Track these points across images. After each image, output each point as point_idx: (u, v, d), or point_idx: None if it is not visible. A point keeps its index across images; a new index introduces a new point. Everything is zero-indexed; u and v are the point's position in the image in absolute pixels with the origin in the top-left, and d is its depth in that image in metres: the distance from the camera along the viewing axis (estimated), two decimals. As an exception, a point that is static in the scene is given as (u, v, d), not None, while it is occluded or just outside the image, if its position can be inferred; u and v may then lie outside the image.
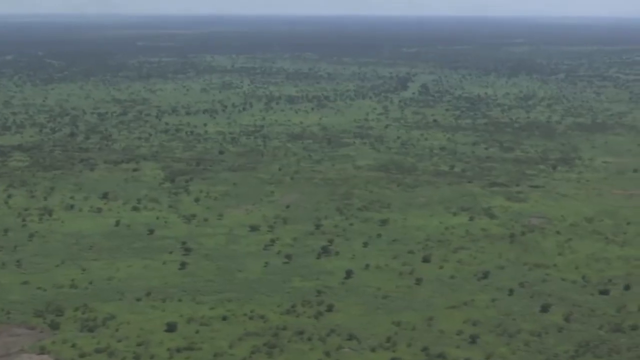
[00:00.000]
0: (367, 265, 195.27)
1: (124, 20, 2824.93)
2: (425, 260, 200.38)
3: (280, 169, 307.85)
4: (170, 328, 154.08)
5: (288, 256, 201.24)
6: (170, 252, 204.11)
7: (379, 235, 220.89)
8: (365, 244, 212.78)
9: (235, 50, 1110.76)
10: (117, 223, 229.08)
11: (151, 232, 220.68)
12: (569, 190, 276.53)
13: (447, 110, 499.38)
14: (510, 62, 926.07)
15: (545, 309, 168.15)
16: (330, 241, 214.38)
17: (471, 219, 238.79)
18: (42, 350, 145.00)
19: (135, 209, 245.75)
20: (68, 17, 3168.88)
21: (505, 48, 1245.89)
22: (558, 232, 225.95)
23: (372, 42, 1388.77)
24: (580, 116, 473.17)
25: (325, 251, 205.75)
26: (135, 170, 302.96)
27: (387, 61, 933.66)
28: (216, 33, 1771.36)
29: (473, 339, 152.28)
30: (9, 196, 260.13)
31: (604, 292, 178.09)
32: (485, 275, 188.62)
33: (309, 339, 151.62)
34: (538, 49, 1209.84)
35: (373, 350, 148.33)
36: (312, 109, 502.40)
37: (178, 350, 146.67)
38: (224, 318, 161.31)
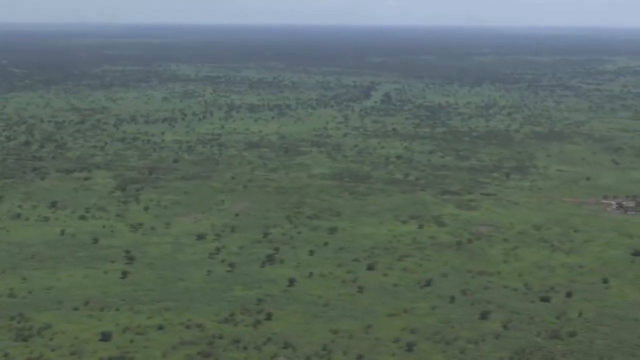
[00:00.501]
0: (311, 274, 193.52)
1: (92, 29, 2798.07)
2: (370, 268, 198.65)
3: (233, 178, 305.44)
4: (105, 337, 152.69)
5: (232, 265, 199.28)
6: (113, 262, 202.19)
7: (326, 244, 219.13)
8: (311, 252, 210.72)
9: (202, 60, 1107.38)
10: (63, 232, 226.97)
11: (96, 241, 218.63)
12: (520, 198, 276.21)
13: (406, 119, 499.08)
14: (474, 71, 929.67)
15: (484, 316, 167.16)
16: (276, 249, 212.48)
17: (420, 227, 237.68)
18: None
19: (82, 217, 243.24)
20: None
21: (470, 58, 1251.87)
22: (505, 240, 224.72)
23: (340, 52, 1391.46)
24: (538, 125, 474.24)
25: (270, 259, 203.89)
26: (86, 179, 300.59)
27: (352, 70, 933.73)
28: (185, 42, 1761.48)
29: (409, 347, 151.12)
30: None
31: (545, 300, 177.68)
32: (428, 283, 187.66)
33: (245, 348, 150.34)
34: (503, 59, 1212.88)
35: (308, 358, 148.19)
36: (272, 117, 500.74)
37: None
38: (160, 327, 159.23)
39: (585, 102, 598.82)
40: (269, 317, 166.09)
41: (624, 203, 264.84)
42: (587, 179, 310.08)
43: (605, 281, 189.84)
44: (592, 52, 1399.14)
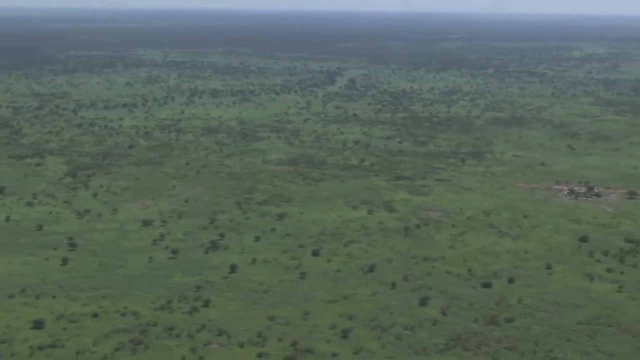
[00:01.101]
0: (254, 260, 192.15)
1: (63, 13, 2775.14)
2: (315, 254, 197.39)
3: (187, 163, 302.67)
4: (37, 325, 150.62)
5: (174, 251, 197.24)
6: (55, 248, 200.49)
7: (273, 230, 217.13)
8: (257, 239, 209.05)
9: (171, 45, 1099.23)
10: (8, 219, 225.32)
11: (40, 227, 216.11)
12: (473, 183, 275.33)
13: (369, 104, 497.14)
14: (442, 57, 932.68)
15: (423, 302, 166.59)
16: (222, 235, 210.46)
17: (370, 212, 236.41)
18: None
19: (29, 204, 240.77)
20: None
21: (440, 44, 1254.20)
22: (453, 226, 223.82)
23: (311, 37, 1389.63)
24: (500, 111, 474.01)
25: (214, 246, 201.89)
26: (38, 165, 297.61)
27: (320, 56, 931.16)
28: (159, 28, 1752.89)
29: (345, 334, 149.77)
30: None
31: (487, 285, 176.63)
32: (372, 268, 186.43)
33: (178, 336, 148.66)
34: (472, 45, 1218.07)
35: (242, 345, 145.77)
36: (234, 103, 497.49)
37: (40, 348, 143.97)
38: (95, 315, 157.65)
39: (549, 88, 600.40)
40: (206, 304, 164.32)
41: (575, 189, 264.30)
42: (542, 164, 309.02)
43: (548, 267, 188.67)
44: (561, 39, 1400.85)
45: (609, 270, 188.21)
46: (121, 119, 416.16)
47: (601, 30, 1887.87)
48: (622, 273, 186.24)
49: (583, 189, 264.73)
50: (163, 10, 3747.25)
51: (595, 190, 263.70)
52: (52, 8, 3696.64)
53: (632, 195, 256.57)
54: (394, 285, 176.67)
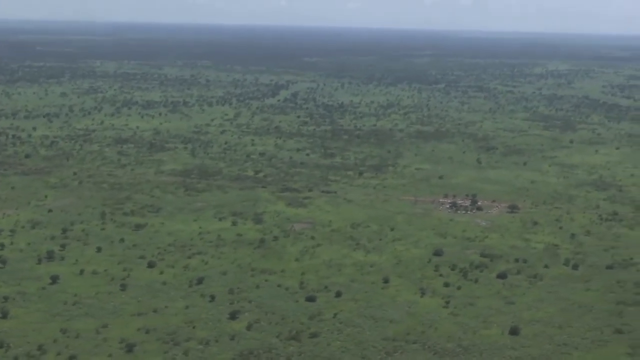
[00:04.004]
0: (82, 271, 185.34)
1: (35, 25, 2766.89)
2: (151, 265, 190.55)
3: (75, 174, 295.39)
4: None
5: (4, 261, 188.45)
6: None
7: (122, 240, 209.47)
8: (99, 249, 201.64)
9: (132, 57, 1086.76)
10: None
11: None
12: (358, 196, 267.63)
13: (298, 117, 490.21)
14: (401, 72, 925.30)
15: (234, 316, 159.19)
16: (63, 246, 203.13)
17: (234, 224, 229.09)
18: None
19: None
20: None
21: (407, 59, 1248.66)
22: (312, 238, 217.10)
23: (281, 51, 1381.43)
24: (428, 124, 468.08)
25: (49, 256, 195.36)
26: None
27: (279, 69, 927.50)
28: (125, 40, 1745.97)
29: (130, 348, 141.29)
30: None
31: (311, 299, 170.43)
32: (200, 281, 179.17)
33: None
34: (438, 61, 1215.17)
35: (16, 359, 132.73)
36: (161, 114, 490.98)
37: None
38: None
39: (491, 103, 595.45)
40: (4, 315, 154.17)
41: (459, 202, 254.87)
42: (440, 177, 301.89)
43: (386, 281, 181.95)
44: (530, 56, 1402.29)
45: (446, 284, 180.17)
46: (34, 128, 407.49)
47: (573, 48, 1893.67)
48: (458, 288, 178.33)
49: (467, 203, 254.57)
50: (142, 23, 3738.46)
51: (479, 203, 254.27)
52: (25, 20, 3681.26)
53: (512, 209, 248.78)
54: (213, 298, 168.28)
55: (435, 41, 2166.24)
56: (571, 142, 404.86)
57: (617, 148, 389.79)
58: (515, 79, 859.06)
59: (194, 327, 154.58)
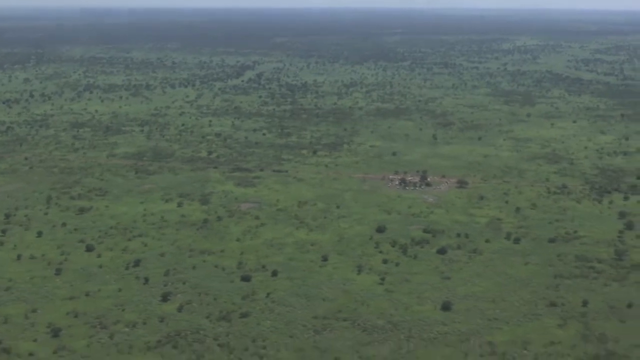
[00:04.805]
0: (19, 256, 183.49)
1: (8, 12, 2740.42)
2: (89, 249, 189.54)
3: (26, 159, 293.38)
4: None
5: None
6: None
7: (64, 225, 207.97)
8: (39, 234, 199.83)
9: (101, 41, 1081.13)
10: None
11: None
12: (308, 174, 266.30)
13: (260, 97, 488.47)
14: (369, 50, 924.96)
15: (166, 298, 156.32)
16: (4, 232, 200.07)
17: (180, 205, 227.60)
18: None
19: None
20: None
21: (377, 38, 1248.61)
22: (256, 217, 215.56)
23: (252, 32, 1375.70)
24: (388, 102, 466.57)
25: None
26: None
27: (247, 50, 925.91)
28: (101, 25, 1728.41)
29: (56, 332, 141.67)
30: None
31: (246, 279, 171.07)
32: (137, 263, 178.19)
33: None
34: (408, 39, 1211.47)
35: None
36: (121, 97, 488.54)
37: None
38: None
39: (454, 80, 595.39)
40: None
41: (408, 178, 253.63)
42: (394, 154, 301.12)
43: (325, 259, 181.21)
44: (501, 32, 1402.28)
45: (384, 261, 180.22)
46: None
47: (545, 23, 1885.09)
48: (396, 265, 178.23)
49: (416, 179, 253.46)
50: (123, 7, 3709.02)
51: (428, 179, 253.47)
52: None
53: (461, 184, 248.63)
54: (147, 280, 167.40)
55: (408, 20, 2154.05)
56: (528, 116, 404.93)
57: (574, 121, 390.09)
58: (482, 55, 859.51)
59: (123, 310, 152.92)
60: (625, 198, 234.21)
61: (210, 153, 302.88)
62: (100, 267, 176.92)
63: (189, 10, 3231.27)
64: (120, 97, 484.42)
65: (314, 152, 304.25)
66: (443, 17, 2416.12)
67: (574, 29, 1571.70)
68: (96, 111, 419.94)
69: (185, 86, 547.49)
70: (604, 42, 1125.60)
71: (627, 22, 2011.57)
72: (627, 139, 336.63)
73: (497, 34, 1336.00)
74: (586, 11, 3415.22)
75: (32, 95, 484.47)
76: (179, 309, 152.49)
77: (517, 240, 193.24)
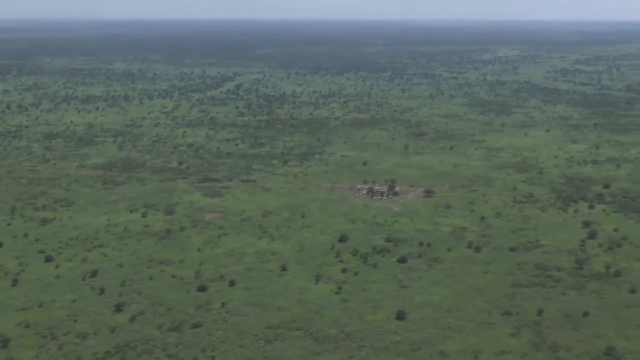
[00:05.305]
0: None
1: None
2: (48, 260, 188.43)
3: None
4: None
5: None
6: None
7: (26, 236, 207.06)
8: (0, 245, 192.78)
9: (84, 53, 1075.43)
10: None
11: None
12: (277, 184, 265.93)
13: (237, 108, 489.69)
14: (350, 61, 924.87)
15: (119, 308, 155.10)
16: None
17: (144, 215, 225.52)
18: None
19: None
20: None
21: (360, 49, 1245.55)
22: (220, 227, 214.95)
23: (236, 44, 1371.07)
24: (365, 112, 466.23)
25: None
26: None
27: (229, 62, 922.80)
28: (86, 37, 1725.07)
29: (5, 344, 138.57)
30: None
31: (202, 289, 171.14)
32: (95, 274, 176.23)
33: None
34: (391, 50, 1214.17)
35: None
36: (99, 108, 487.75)
37: None
38: None
39: (432, 90, 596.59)
40: None
41: (377, 188, 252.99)
42: (365, 164, 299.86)
43: (284, 269, 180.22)
44: (483, 43, 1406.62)
45: (344, 271, 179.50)
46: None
47: (527, 34, 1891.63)
48: (355, 274, 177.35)
49: (385, 188, 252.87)
50: (111, 19, 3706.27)
51: (397, 189, 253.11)
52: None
53: (429, 193, 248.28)
54: (103, 291, 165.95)
55: (390, 31, 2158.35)
56: (503, 126, 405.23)
57: (547, 131, 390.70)
58: (463, 66, 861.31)
59: (76, 321, 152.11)
60: (591, 207, 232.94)
61: (181, 164, 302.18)
62: (58, 277, 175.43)
63: (175, 22, 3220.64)
64: (98, 109, 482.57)
65: (285, 163, 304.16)
66: (426, 29, 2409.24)
67: (555, 40, 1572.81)
68: (72, 122, 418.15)
69: (164, 97, 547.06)
70: (585, 52, 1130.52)
71: (609, 33, 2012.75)
72: (598, 148, 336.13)
73: (480, 45, 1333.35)
74: (568, 22, 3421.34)
75: (9, 107, 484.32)
76: (132, 320, 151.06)
77: (478, 249, 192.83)
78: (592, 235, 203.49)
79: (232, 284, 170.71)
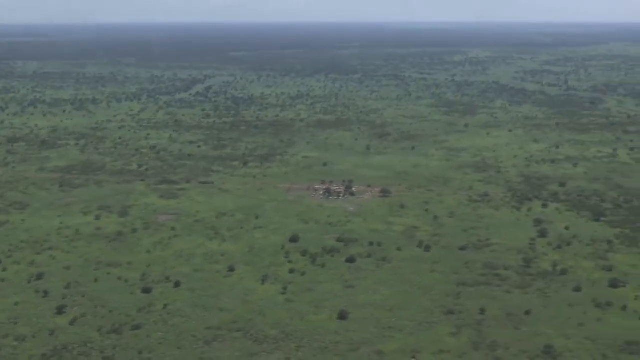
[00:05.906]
0: None
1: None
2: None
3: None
4: None
5: None
6: None
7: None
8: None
9: (58, 57, 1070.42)
10: None
11: None
12: (234, 185, 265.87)
13: (203, 110, 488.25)
14: (321, 64, 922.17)
15: (61, 310, 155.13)
16: None
17: (97, 218, 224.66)
18: None
19: None
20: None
21: (333, 51, 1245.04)
22: (172, 229, 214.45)
23: (211, 47, 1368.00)
24: (330, 114, 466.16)
25: None
26: None
27: (201, 65, 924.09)
28: (64, 41, 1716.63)
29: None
30: None
31: (147, 291, 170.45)
32: (40, 277, 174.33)
33: None
34: (364, 52, 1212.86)
35: None
36: (65, 112, 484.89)
37: None
38: None
39: (400, 91, 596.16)
40: None
41: (334, 188, 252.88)
42: (324, 164, 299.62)
43: (231, 269, 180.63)
44: (454, 45, 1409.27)
45: (291, 271, 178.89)
46: None
47: (499, 36, 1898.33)
48: (302, 274, 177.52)
49: (341, 189, 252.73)
50: (90, 23, 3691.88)
51: (353, 189, 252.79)
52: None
53: (385, 193, 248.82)
54: (46, 293, 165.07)
55: (366, 33, 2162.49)
56: (466, 126, 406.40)
57: (510, 130, 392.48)
58: (433, 67, 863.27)
59: (16, 324, 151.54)
60: (544, 205, 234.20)
61: (140, 166, 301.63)
62: (3, 281, 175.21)
63: (152, 25, 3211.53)
64: (64, 112, 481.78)
65: (245, 164, 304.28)
66: (401, 31, 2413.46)
67: (526, 41, 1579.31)
68: (36, 126, 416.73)
69: (132, 100, 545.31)
70: (555, 53, 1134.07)
71: (580, 34, 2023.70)
72: (557, 147, 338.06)
73: (451, 47, 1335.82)
74: (539, 24, 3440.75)
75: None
76: (72, 322, 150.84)
77: (428, 248, 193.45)
78: (543, 234, 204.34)
79: (177, 285, 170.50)
